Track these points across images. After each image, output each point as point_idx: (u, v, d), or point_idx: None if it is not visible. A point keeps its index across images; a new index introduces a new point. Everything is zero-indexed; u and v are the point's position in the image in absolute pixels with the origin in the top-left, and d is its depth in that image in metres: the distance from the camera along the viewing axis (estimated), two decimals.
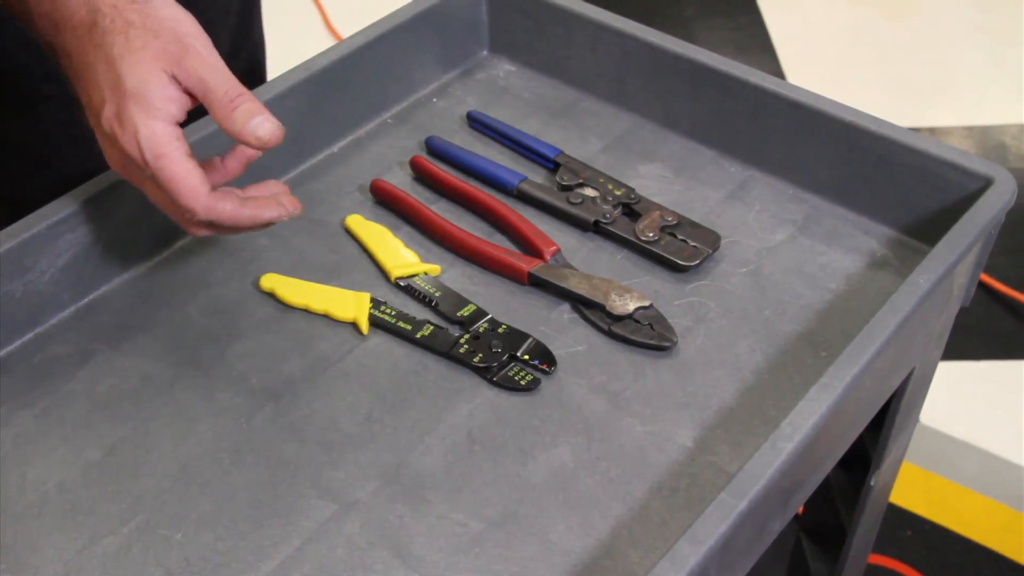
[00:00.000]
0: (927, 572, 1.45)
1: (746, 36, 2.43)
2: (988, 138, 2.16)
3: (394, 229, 0.79)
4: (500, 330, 0.72)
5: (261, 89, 0.80)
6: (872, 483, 0.87)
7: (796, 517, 1.07)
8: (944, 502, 1.53)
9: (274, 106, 0.79)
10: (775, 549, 0.85)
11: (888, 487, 0.94)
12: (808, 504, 0.99)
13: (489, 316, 0.73)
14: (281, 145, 0.81)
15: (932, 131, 2.17)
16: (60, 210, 0.71)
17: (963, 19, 2.48)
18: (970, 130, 2.18)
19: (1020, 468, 1.58)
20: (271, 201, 0.67)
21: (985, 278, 1.83)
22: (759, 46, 2.39)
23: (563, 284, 0.74)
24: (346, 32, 0.91)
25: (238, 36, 0.96)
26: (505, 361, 0.70)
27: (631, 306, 0.72)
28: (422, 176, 0.84)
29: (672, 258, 0.76)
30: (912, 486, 1.54)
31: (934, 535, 1.49)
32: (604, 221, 0.79)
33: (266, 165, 0.81)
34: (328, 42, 2.26)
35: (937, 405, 1.63)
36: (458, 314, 0.73)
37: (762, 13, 2.49)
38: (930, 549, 1.48)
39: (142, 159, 0.62)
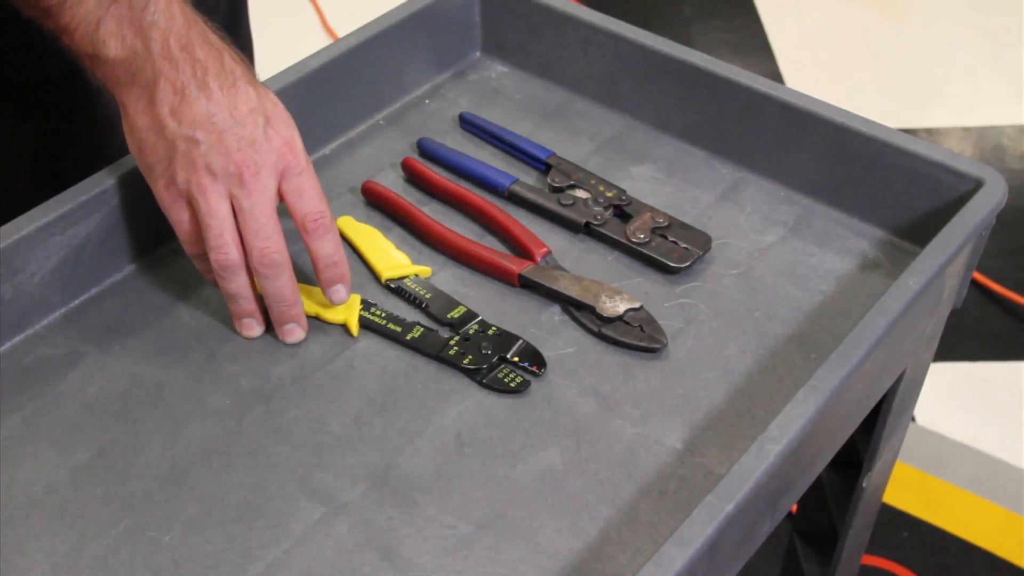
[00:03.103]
0: (923, 573, 1.45)
1: (744, 37, 2.43)
2: (985, 139, 2.16)
3: (385, 231, 0.79)
4: (490, 332, 0.72)
5: None
6: (864, 484, 0.87)
7: (790, 518, 1.07)
8: (940, 503, 1.53)
9: None
10: (769, 550, 0.85)
11: (881, 488, 0.94)
12: (801, 505, 0.99)
13: (479, 318, 0.73)
14: None
15: (929, 132, 2.17)
16: (50, 212, 0.71)
17: (961, 20, 2.48)
18: (967, 131, 2.18)
19: (1016, 469, 1.57)
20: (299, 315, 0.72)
21: (981, 279, 1.83)
22: (757, 47, 2.39)
23: (553, 286, 0.74)
24: (343, 33, 0.91)
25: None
26: (495, 363, 0.70)
27: (621, 308, 0.72)
28: (414, 178, 0.83)
29: (663, 260, 0.76)
30: (908, 487, 1.54)
31: (930, 536, 1.49)
32: (595, 223, 0.79)
33: None
34: (325, 43, 2.26)
35: (933, 406, 1.64)
36: (448, 316, 0.73)
37: (760, 14, 2.49)
38: (926, 550, 1.48)
39: (298, 161, 0.69)
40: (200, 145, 0.67)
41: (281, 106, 0.70)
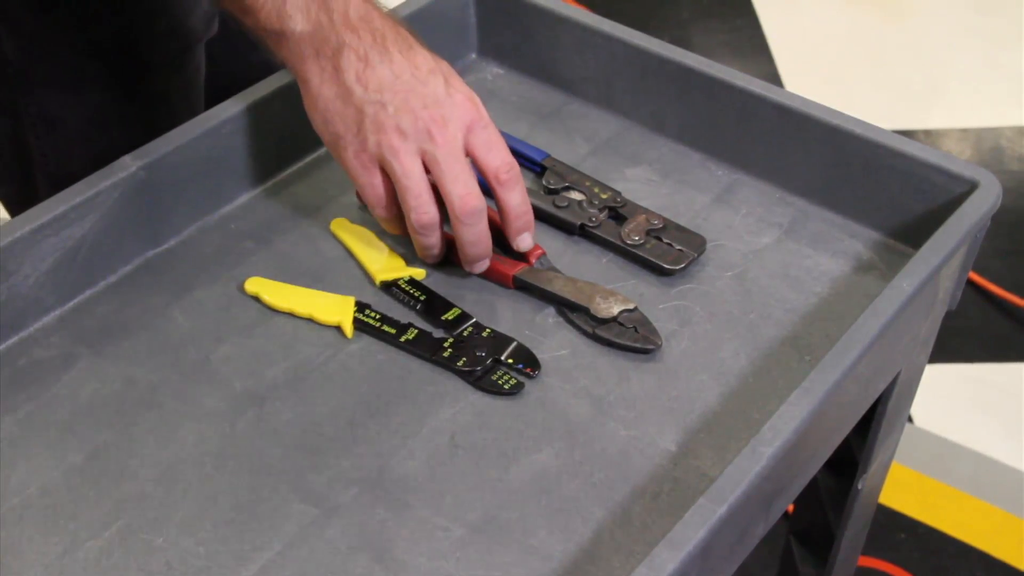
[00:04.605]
0: (920, 575, 1.45)
1: (742, 38, 2.43)
2: (984, 140, 2.16)
3: (380, 233, 0.79)
4: (484, 334, 0.72)
5: (248, 92, 0.80)
6: (860, 487, 0.87)
7: (786, 519, 1.07)
8: (938, 505, 1.53)
9: (261, 109, 0.80)
10: (765, 551, 0.85)
11: (876, 490, 0.94)
12: (797, 507, 0.99)
13: (473, 320, 0.73)
14: (268, 148, 0.82)
15: (928, 133, 2.17)
16: (44, 214, 0.71)
17: (959, 22, 2.48)
18: (965, 132, 2.18)
19: (1014, 471, 1.57)
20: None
21: (980, 280, 1.83)
22: (755, 48, 2.39)
23: (548, 287, 0.74)
24: None
25: None
26: (489, 365, 0.70)
27: (615, 309, 0.72)
28: None
29: (657, 261, 0.76)
30: (906, 489, 1.54)
31: (928, 538, 1.49)
32: (590, 224, 0.79)
33: (254, 168, 0.82)
34: None
35: (931, 407, 1.64)
36: (442, 318, 0.73)
37: (758, 16, 2.49)
38: (924, 552, 1.48)
39: (482, 115, 0.71)
40: (387, 107, 0.69)
41: (452, 68, 0.73)
